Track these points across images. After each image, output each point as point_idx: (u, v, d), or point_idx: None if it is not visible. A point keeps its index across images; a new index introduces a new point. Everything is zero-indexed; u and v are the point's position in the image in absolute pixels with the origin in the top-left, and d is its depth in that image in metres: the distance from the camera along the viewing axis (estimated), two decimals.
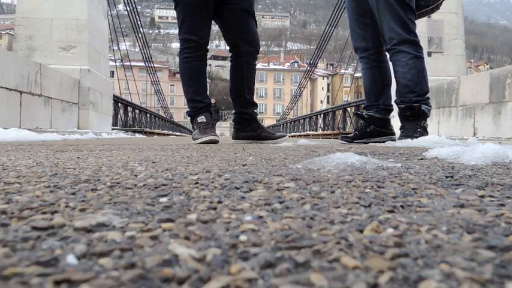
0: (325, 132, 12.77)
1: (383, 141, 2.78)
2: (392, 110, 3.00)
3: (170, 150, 1.62)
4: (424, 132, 2.66)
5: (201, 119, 2.66)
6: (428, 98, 2.71)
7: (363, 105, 3.25)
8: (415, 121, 2.66)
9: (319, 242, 0.30)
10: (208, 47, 2.82)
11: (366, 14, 2.86)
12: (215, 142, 2.49)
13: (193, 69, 2.70)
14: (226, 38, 2.90)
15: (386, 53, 2.87)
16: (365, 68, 2.97)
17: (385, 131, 2.95)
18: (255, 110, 2.99)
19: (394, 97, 2.77)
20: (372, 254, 0.28)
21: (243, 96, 2.92)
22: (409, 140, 2.45)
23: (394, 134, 2.96)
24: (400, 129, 2.77)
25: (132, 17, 12.11)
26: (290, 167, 0.86)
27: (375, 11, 2.75)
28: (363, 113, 3.04)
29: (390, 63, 2.85)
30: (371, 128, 2.97)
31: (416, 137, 2.48)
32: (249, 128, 2.92)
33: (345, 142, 2.96)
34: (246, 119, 2.93)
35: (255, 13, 2.99)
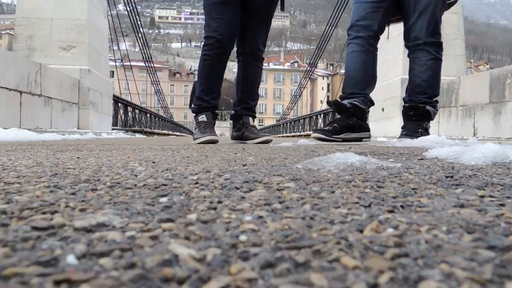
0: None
1: (361, 138, 2.60)
2: (374, 104, 2.75)
3: (170, 150, 1.62)
4: (425, 133, 2.56)
5: (202, 118, 2.66)
6: (437, 102, 2.61)
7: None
8: (418, 122, 2.56)
9: (319, 242, 0.30)
10: (233, 48, 2.75)
11: None
12: (214, 142, 2.48)
13: (207, 68, 2.67)
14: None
15: (405, 48, 2.65)
16: (358, 51, 2.60)
17: (364, 126, 2.64)
18: (241, 108, 2.91)
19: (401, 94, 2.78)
20: (372, 254, 0.28)
21: (237, 95, 2.93)
22: (409, 139, 2.38)
23: (369, 129, 2.71)
24: (402, 128, 2.68)
25: (132, 17, 12.11)
26: (290, 167, 0.86)
27: (409, 1, 2.52)
28: (343, 102, 2.61)
29: (408, 59, 2.66)
30: (353, 120, 2.57)
31: (417, 137, 2.40)
32: (235, 128, 2.93)
33: (322, 137, 2.52)
34: (234, 117, 2.95)
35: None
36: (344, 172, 0.76)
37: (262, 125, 48.06)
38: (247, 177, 0.68)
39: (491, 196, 0.51)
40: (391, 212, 0.42)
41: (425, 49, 2.53)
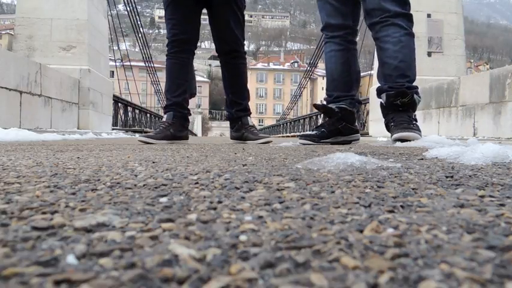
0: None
1: (350, 141, 2.42)
2: (361, 104, 2.65)
3: (170, 150, 1.62)
4: (417, 125, 2.27)
5: (164, 117, 2.66)
6: (417, 88, 2.29)
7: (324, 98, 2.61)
8: (406, 112, 2.23)
9: (319, 242, 0.30)
10: (195, 45, 2.76)
11: None
12: (147, 143, 2.40)
13: (169, 67, 2.71)
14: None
15: (369, 28, 2.34)
16: (336, 50, 2.43)
17: (353, 128, 2.46)
18: (236, 110, 2.89)
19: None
20: (372, 254, 0.28)
21: (227, 96, 2.92)
22: (405, 133, 2.12)
23: (359, 132, 2.54)
24: (388, 122, 2.32)
25: (132, 17, 12.10)
26: (290, 167, 0.86)
27: None
28: (331, 106, 2.44)
29: (374, 41, 2.34)
30: (342, 124, 2.38)
31: (414, 130, 2.15)
32: (233, 128, 2.91)
33: (308, 143, 2.33)
34: (230, 119, 2.93)
35: (244, 10, 2.86)
36: (344, 172, 0.76)
37: (262, 125, 48.07)
38: (247, 177, 0.68)
39: (491, 196, 0.51)
40: (391, 212, 0.42)
41: (396, 23, 2.20)
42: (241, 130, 2.85)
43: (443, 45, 6.88)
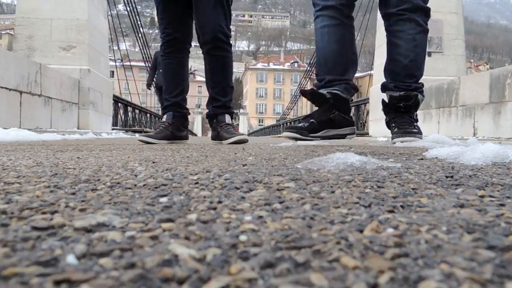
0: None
1: (345, 135, 2.12)
2: (358, 91, 2.18)
3: (170, 150, 1.62)
4: (418, 126, 2.18)
5: (164, 117, 2.64)
6: (423, 85, 2.15)
7: (314, 80, 2.19)
8: (407, 113, 2.11)
9: (319, 242, 0.30)
10: (189, 43, 2.73)
11: None
12: (148, 143, 2.37)
13: (164, 67, 2.69)
14: None
15: (382, 17, 2.10)
16: (331, 26, 2.06)
17: (347, 119, 2.13)
18: (213, 107, 2.70)
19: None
20: (372, 254, 0.28)
21: (208, 91, 2.75)
22: (406, 137, 2.05)
23: (354, 124, 2.23)
24: (389, 122, 2.20)
25: (132, 17, 12.10)
26: (290, 167, 0.86)
27: None
28: (321, 91, 2.07)
29: (386, 33, 2.11)
30: (334, 113, 2.04)
31: (415, 134, 2.09)
32: (212, 127, 2.77)
33: (296, 136, 2.04)
34: (208, 117, 2.77)
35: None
36: (344, 172, 0.76)
37: (262, 125, 48.03)
38: (247, 177, 0.68)
39: (491, 196, 0.51)
40: (391, 212, 0.42)
41: (413, 18, 1.99)
42: (217, 129, 2.67)
43: (443, 45, 6.88)
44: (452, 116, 5.08)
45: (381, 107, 2.26)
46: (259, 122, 58.82)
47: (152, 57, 9.67)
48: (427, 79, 6.26)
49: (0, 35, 65.71)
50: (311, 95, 2.10)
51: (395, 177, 0.70)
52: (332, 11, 2.04)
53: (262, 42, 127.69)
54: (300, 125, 2.10)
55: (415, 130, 2.13)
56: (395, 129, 2.15)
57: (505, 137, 3.82)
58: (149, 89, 5.18)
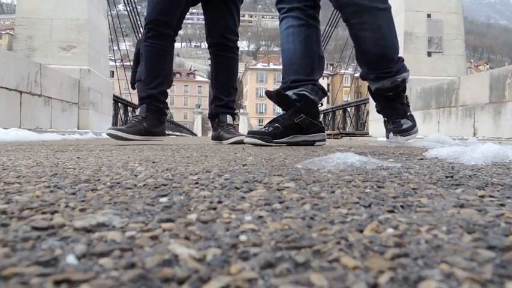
0: (325, 132, 12.74)
1: (313, 142, 1.97)
2: (326, 94, 2.08)
3: (170, 150, 1.62)
4: (411, 116, 2.09)
5: (138, 110, 2.48)
6: (403, 60, 2.02)
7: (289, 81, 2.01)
8: (398, 99, 2.00)
9: (319, 242, 0.30)
10: (174, 30, 2.49)
11: None
12: (118, 138, 2.22)
13: (145, 54, 2.44)
14: None
15: (338, 9, 1.99)
16: (296, 26, 1.98)
17: (316, 124, 1.98)
18: (216, 106, 2.68)
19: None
20: (372, 254, 0.28)
21: (212, 90, 2.74)
22: (403, 138, 1.99)
23: (324, 130, 2.07)
24: (380, 110, 2.12)
25: (132, 17, 12.10)
26: (290, 167, 0.86)
27: None
28: (287, 93, 1.93)
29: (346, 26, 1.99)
30: (301, 117, 1.90)
31: (409, 131, 2.01)
32: (213, 127, 2.76)
33: (258, 142, 1.87)
34: (210, 116, 2.77)
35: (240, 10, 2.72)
36: (344, 172, 0.76)
37: (262, 125, 47.92)
38: (247, 177, 0.68)
39: (491, 196, 0.51)
40: (391, 212, 0.42)
41: (369, 6, 1.86)
42: (218, 129, 2.65)
43: (443, 45, 6.88)
44: (452, 116, 5.08)
45: None
46: (259, 122, 58.79)
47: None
48: (427, 79, 6.29)
49: (0, 35, 65.71)
50: (276, 97, 1.96)
51: (395, 177, 0.70)
52: (297, 12, 1.99)
53: (262, 42, 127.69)
54: (263, 129, 1.94)
55: (409, 124, 2.05)
56: (389, 125, 2.09)
57: (505, 137, 3.82)
58: (134, 89, 4.56)
